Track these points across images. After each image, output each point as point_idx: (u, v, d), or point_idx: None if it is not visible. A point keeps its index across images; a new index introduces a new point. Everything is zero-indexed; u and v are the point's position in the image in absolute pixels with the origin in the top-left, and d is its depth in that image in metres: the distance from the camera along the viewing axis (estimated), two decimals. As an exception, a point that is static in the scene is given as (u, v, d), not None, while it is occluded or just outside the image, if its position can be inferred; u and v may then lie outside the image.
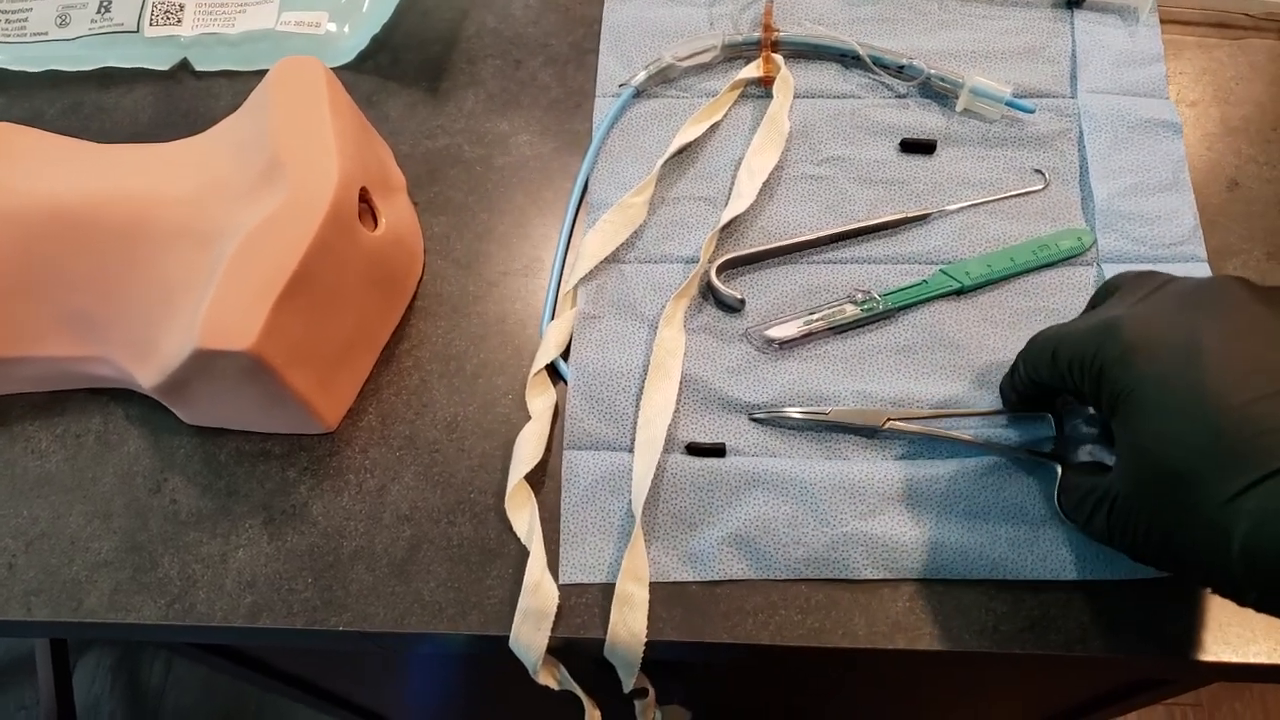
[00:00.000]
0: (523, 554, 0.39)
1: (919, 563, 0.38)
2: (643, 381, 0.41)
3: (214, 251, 0.39)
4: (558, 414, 0.42)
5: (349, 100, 0.44)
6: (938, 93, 0.47)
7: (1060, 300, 0.42)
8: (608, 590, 0.38)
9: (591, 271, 0.44)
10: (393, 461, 0.42)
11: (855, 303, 0.43)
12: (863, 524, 0.38)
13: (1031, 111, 0.45)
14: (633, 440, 0.40)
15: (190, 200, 0.41)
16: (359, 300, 0.42)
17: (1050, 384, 0.36)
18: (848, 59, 0.48)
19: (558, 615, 0.38)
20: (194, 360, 0.37)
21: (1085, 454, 0.38)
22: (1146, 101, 0.46)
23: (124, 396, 0.43)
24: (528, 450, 0.40)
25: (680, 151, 0.46)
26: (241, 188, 0.40)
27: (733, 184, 0.45)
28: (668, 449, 0.40)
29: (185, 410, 0.42)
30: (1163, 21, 0.48)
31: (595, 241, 0.44)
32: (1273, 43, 0.48)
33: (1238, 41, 0.48)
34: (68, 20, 0.50)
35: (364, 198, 0.42)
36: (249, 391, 0.39)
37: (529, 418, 0.41)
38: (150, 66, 0.50)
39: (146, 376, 0.41)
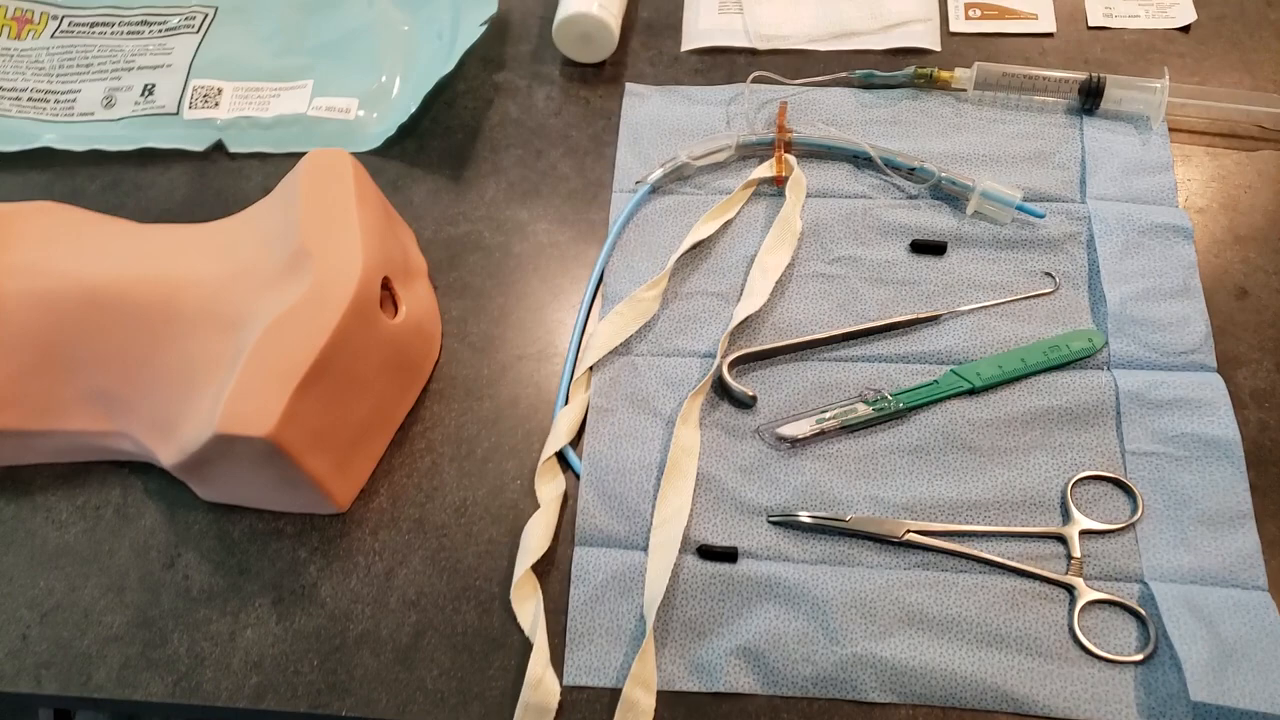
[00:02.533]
0: (526, 646, 0.39)
1: (929, 689, 0.37)
2: (657, 479, 0.42)
3: (238, 336, 0.41)
4: (565, 502, 0.42)
5: (376, 190, 0.45)
6: (949, 195, 0.48)
7: (1072, 400, 0.43)
8: (611, 692, 0.38)
9: (604, 362, 0.45)
10: (401, 545, 0.42)
11: (867, 402, 0.43)
12: (874, 645, 0.38)
13: (1041, 216, 0.46)
14: (646, 540, 0.41)
15: (218, 285, 0.42)
16: (377, 385, 0.42)
17: None
18: (860, 160, 0.49)
19: (558, 713, 0.38)
20: (214, 444, 0.38)
21: None
22: (1157, 208, 0.47)
23: (144, 469, 0.44)
24: (535, 540, 0.41)
25: (694, 247, 0.47)
26: (268, 275, 0.42)
27: (745, 281, 0.46)
28: (681, 550, 0.40)
29: (202, 488, 0.43)
30: (1172, 130, 0.49)
31: (606, 331, 0.45)
32: (1282, 153, 0.49)
33: (1248, 152, 0.49)
34: (113, 102, 0.53)
35: (386, 286, 0.43)
36: (266, 474, 0.40)
37: (537, 505, 0.42)
38: (187, 147, 0.52)
39: (167, 455, 0.41)
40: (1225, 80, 0.50)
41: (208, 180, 0.51)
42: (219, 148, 0.52)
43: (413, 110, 0.50)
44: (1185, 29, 0.52)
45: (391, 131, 0.50)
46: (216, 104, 0.52)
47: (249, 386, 0.38)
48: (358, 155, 0.51)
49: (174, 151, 0.52)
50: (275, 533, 0.42)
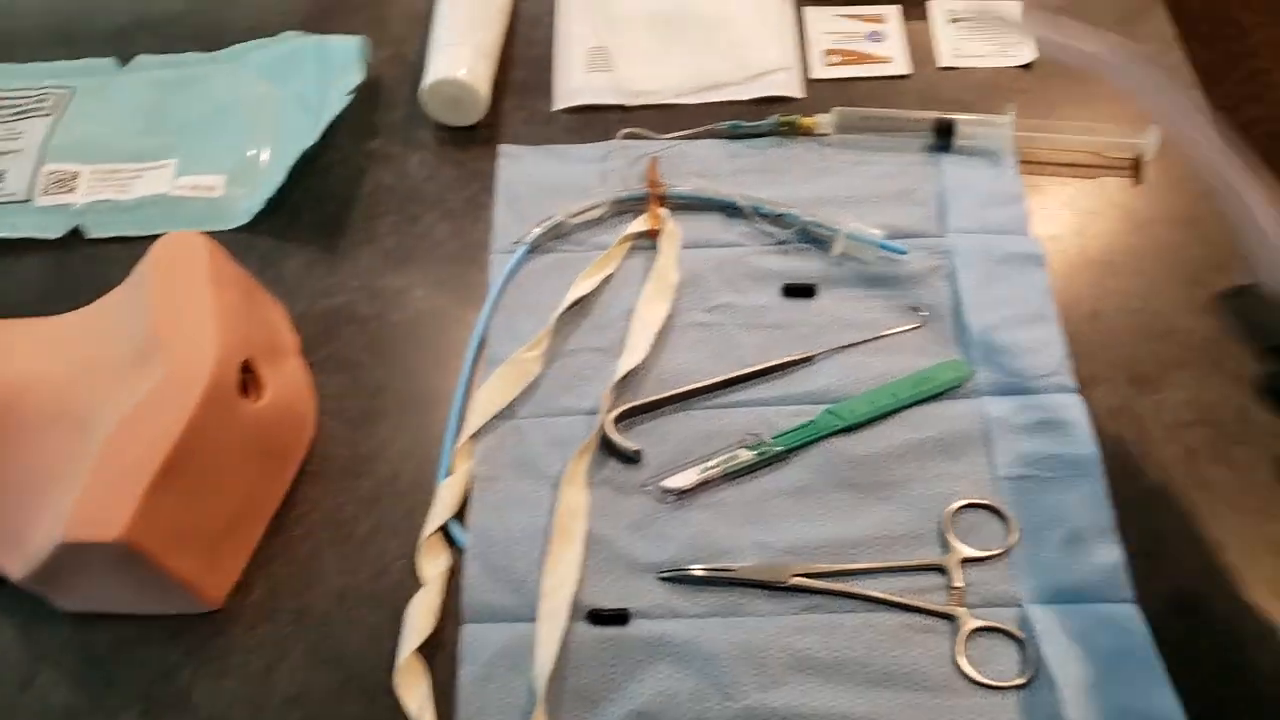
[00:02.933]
0: (415, 734, 0.38)
1: (820, 733, 0.38)
2: (544, 546, 0.41)
3: (89, 435, 0.39)
4: (451, 578, 0.41)
5: (236, 269, 0.44)
6: (816, 238, 0.49)
7: (944, 430, 0.44)
8: (502, 770, 0.37)
9: (488, 428, 0.44)
10: (281, 638, 0.40)
11: (748, 447, 0.43)
12: (765, 696, 0.38)
13: (904, 253, 0.48)
14: (535, 610, 0.40)
15: (65, 382, 0.40)
16: (244, 473, 0.41)
17: None
18: (731, 209, 0.50)
19: (450, 801, 0.36)
20: (62, 553, 0.36)
21: None
22: (1011, 238, 0.49)
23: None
24: (419, 621, 0.39)
25: (575, 304, 0.47)
26: (119, 368, 0.40)
27: (626, 335, 0.46)
28: (571, 616, 0.39)
29: (60, 598, 0.40)
30: (1022, 163, 0.51)
31: (488, 396, 0.44)
32: (1124, 180, 0.51)
33: (1092, 180, 0.51)
34: (-42, 192, 0.51)
35: (248, 369, 0.42)
36: (126, 578, 0.38)
37: (421, 585, 0.41)
38: (40, 235, 0.50)
39: (13, 568, 0.39)
40: (1066, 112, 0.53)
41: (65, 269, 0.49)
42: (76, 234, 0.50)
43: (279, 184, 0.49)
44: (1028, 66, 0.55)
45: (260, 207, 0.50)
46: (72, 189, 0.50)
47: (98, 488, 0.36)
48: (228, 233, 0.50)
49: (26, 241, 0.50)
50: (143, 639, 0.40)
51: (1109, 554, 0.40)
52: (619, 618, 0.40)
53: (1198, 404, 0.44)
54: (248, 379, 0.42)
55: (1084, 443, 0.43)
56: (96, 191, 0.50)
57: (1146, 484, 0.42)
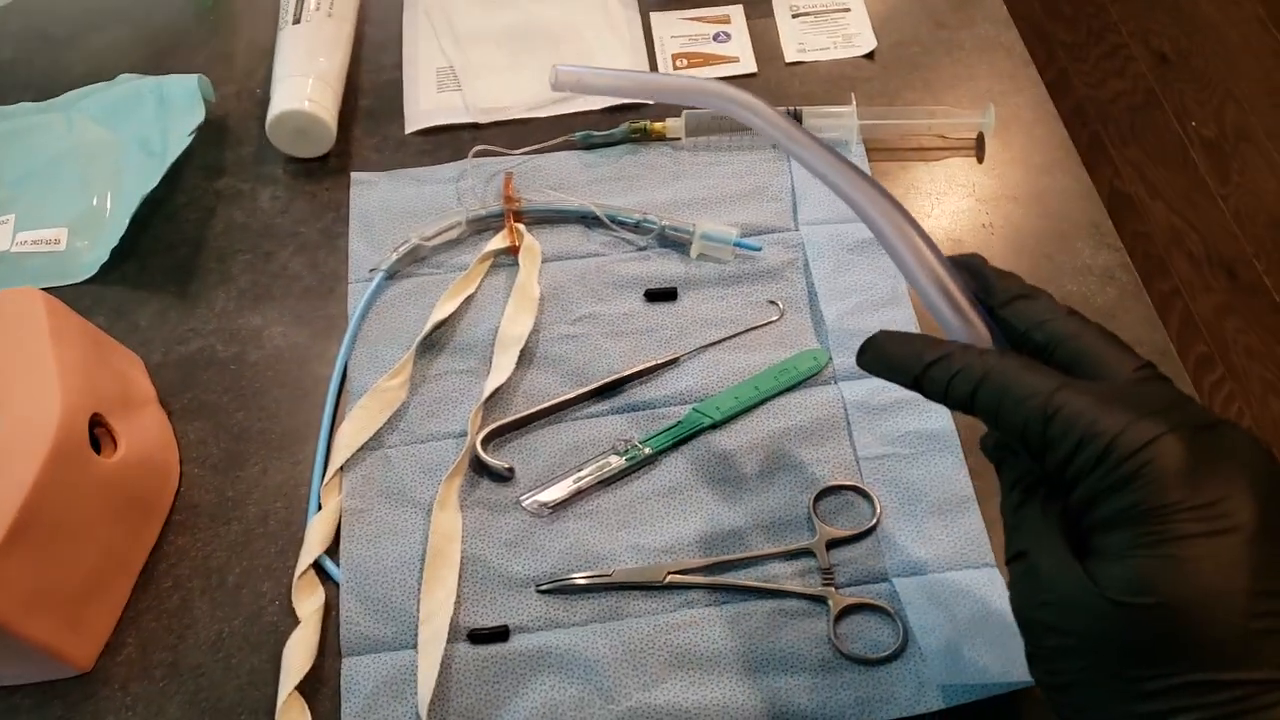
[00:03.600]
0: (298, 776, 0.37)
1: (703, 726, 0.38)
2: (420, 573, 0.41)
3: (-72, 509, 0.38)
4: (328, 614, 0.41)
5: (79, 324, 0.43)
6: (675, 242, 0.50)
7: (806, 418, 0.45)
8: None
9: (355, 460, 0.44)
10: (156, 694, 0.39)
11: (619, 453, 0.44)
12: (647, 695, 0.38)
13: (758, 250, 0.49)
14: (415, 637, 0.40)
15: (-99, 455, 0.39)
16: (102, 530, 0.40)
17: (1017, 443, 0.29)
18: (589, 220, 0.50)
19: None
20: (-95, 632, 0.35)
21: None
22: (861, 225, 0.50)
23: None
24: (297, 660, 0.39)
25: (438, 328, 0.47)
26: (-43, 435, 0.39)
27: (492, 355, 0.46)
28: (451, 638, 0.40)
29: (-84, 678, 0.39)
30: (869, 150, 0.53)
31: (351, 429, 0.44)
32: (967, 159, 0.53)
33: (935, 162, 0.53)
34: None
35: (99, 423, 0.41)
36: (-17, 651, 0.37)
37: (298, 622, 0.40)
38: (-126, 305, 0.48)
39: None
40: (909, 99, 0.55)
41: (-98, 337, 0.48)
42: (-88, 299, 0.48)
43: (123, 232, 0.48)
44: (870, 55, 0.57)
45: (105, 258, 0.48)
46: (-95, 253, 0.48)
47: (-60, 562, 0.35)
48: (76, 286, 0.48)
49: None
50: (10, 710, 0.39)
51: (970, 522, 0.42)
52: (499, 635, 0.40)
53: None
54: (100, 434, 0.41)
55: (940, 417, 0.45)
56: (-68, 254, 0.48)
57: (999, 450, 0.44)
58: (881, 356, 0.32)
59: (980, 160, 0.53)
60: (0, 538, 0.35)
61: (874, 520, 0.43)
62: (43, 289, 0.46)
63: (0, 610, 0.35)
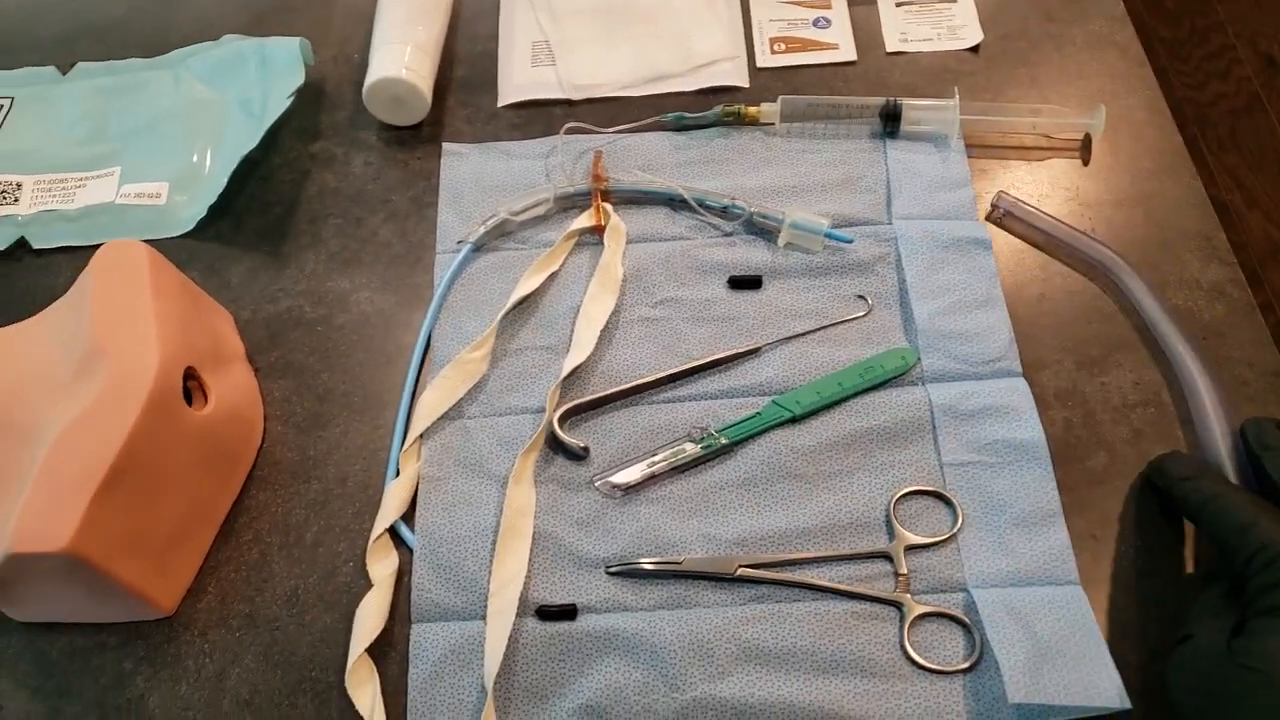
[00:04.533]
0: (366, 734, 0.38)
1: (767, 723, 0.38)
2: (493, 544, 0.41)
3: (32, 447, 0.39)
4: (400, 579, 0.42)
5: (178, 277, 0.44)
6: (762, 229, 0.49)
7: (890, 419, 0.44)
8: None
9: (435, 429, 0.44)
10: (232, 643, 0.40)
11: (694, 440, 0.44)
12: (712, 686, 0.38)
13: (850, 241, 0.48)
14: (484, 608, 0.40)
15: (8, 394, 0.40)
16: (191, 480, 0.41)
17: (1221, 546, 0.38)
18: (676, 202, 0.50)
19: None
20: (9, 564, 0.36)
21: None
22: (958, 223, 0.49)
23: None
24: (369, 622, 0.40)
25: (520, 303, 0.47)
26: (62, 378, 0.40)
27: (572, 332, 0.46)
28: (520, 613, 0.40)
29: (12, 609, 0.40)
30: (969, 146, 0.51)
31: (432, 398, 0.45)
32: (1072, 161, 0.51)
33: (1038, 162, 0.51)
34: (-100, 206, 0.50)
35: (192, 376, 0.42)
36: (75, 588, 0.38)
37: (371, 585, 0.41)
38: (-15, 248, 0.50)
39: (-37, 581, 0.39)
40: (1014, 95, 0.53)
41: (11, 280, 0.49)
42: (22, 245, 0.50)
43: (221, 190, 0.49)
44: (975, 49, 0.55)
45: (203, 214, 0.49)
46: (16, 200, 0.50)
47: (43, 499, 0.36)
48: (173, 240, 0.50)
49: (-29, 253, 0.50)
50: (98, 646, 0.40)
51: (1055, 537, 0.41)
52: (567, 613, 0.40)
53: (1144, 385, 0.44)
54: (192, 386, 0.42)
55: (1030, 427, 0.43)
56: (41, 202, 0.50)
57: (1093, 466, 0.43)
58: (1159, 467, 0.42)
59: (1085, 163, 0.51)
60: (98, 483, 0.37)
61: (955, 528, 0.41)
62: (144, 240, 0.48)
63: (96, 551, 0.37)
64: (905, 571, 0.40)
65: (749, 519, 0.42)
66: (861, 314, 0.47)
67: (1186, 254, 0.48)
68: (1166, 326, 0.45)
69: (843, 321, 0.46)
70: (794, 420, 0.44)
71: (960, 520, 0.41)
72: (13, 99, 0.53)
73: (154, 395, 0.38)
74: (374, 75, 0.50)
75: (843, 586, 0.40)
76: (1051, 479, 0.42)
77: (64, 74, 0.55)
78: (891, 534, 0.41)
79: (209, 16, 0.58)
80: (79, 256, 0.49)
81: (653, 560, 0.41)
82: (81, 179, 0.50)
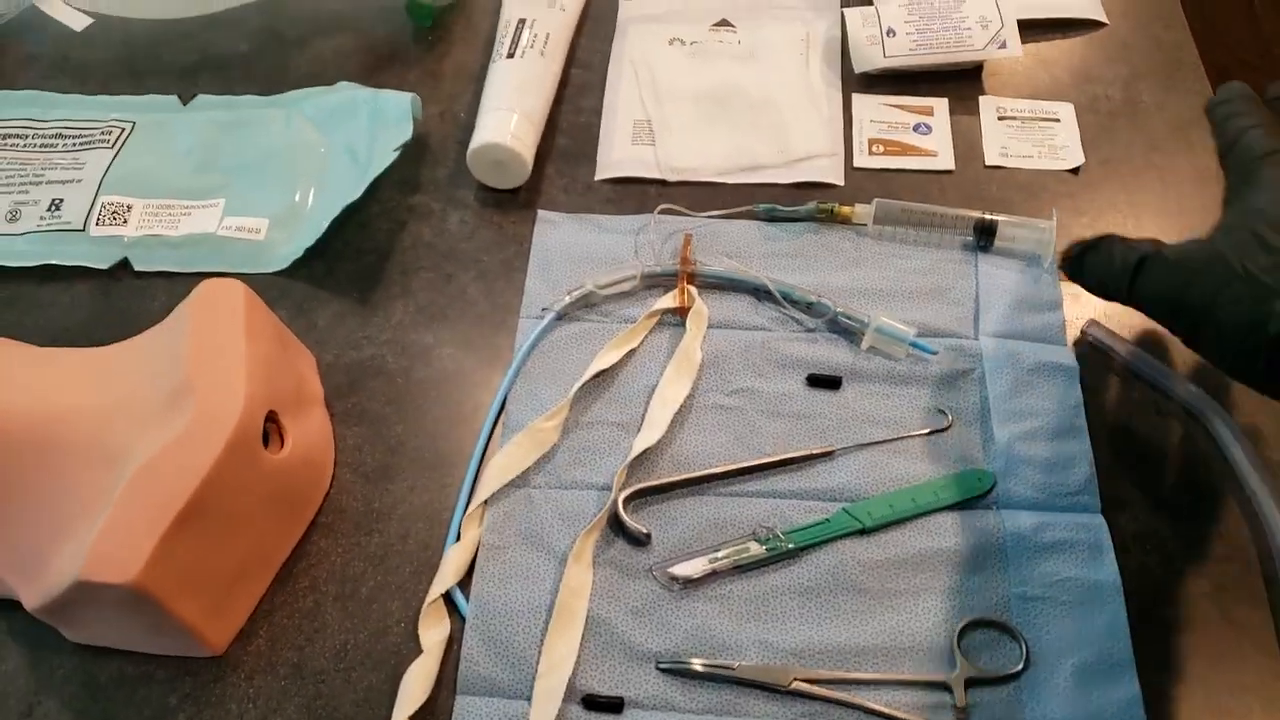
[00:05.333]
0: (399, 806, 0.37)
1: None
2: (546, 623, 0.41)
3: (117, 471, 0.40)
4: (450, 647, 0.41)
5: (270, 319, 0.45)
6: (845, 329, 0.48)
7: (961, 542, 0.43)
8: None
9: (500, 495, 0.44)
10: (277, 691, 0.40)
11: (759, 540, 0.43)
12: None
13: (934, 353, 0.47)
14: (530, 688, 0.39)
15: (100, 416, 0.41)
16: (258, 522, 0.41)
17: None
18: (760, 293, 0.50)
19: None
20: (76, 589, 0.37)
21: None
22: (1046, 346, 0.48)
23: (8, 606, 0.42)
24: (415, 689, 0.39)
25: (596, 376, 0.47)
26: (152, 407, 0.41)
27: (645, 411, 0.46)
28: (565, 698, 0.39)
29: (70, 630, 0.41)
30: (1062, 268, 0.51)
31: (503, 464, 0.45)
32: (1165, 293, 0.50)
33: (1132, 291, 0.50)
34: (18, 216, 0.52)
35: (272, 418, 0.43)
36: (134, 619, 0.39)
37: (421, 650, 0.40)
38: (92, 264, 0.51)
39: (29, 597, 0.40)
40: (1111, 221, 0.52)
41: (111, 300, 0.51)
42: (124, 265, 0.51)
43: (321, 233, 0.50)
44: (1075, 170, 0.54)
45: (299, 254, 0.51)
46: (125, 221, 0.51)
47: (117, 529, 0.37)
48: (265, 276, 0.51)
49: (77, 269, 0.51)
50: (145, 677, 0.40)
51: (1124, 689, 0.39)
52: (614, 706, 0.39)
53: (1229, 537, 0.43)
54: (270, 429, 0.43)
55: (1106, 568, 0.41)
56: (147, 226, 0.51)
57: (1169, 617, 0.41)
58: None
59: (1182, 298, 0.50)
60: (171, 520, 0.37)
61: (1020, 665, 0.40)
62: (238, 274, 0.49)
63: (159, 586, 0.37)
64: (964, 705, 0.39)
65: (808, 629, 0.41)
66: (941, 428, 0.46)
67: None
68: (1257, 483, 0.43)
69: (921, 434, 0.46)
70: (863, 532, 0.43)
71: (1026, 658, 0.40)
72: (134, 123, 0.56)
73: (235, 437, 0.39)
74: (480, 139, 0.51)
75: (899, 714, 0.39)
76: (1125, 626, 0.40)
77: (185, 104, 0.57)
78: (954, 663, 0.40)
79: (326, 60, 0.60)
80: (176, 282, 0.51)
81: (705, 661, 0.40)
82: (188, 207, 0.52)
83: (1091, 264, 0.42)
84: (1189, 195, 0.53)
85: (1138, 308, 0.41)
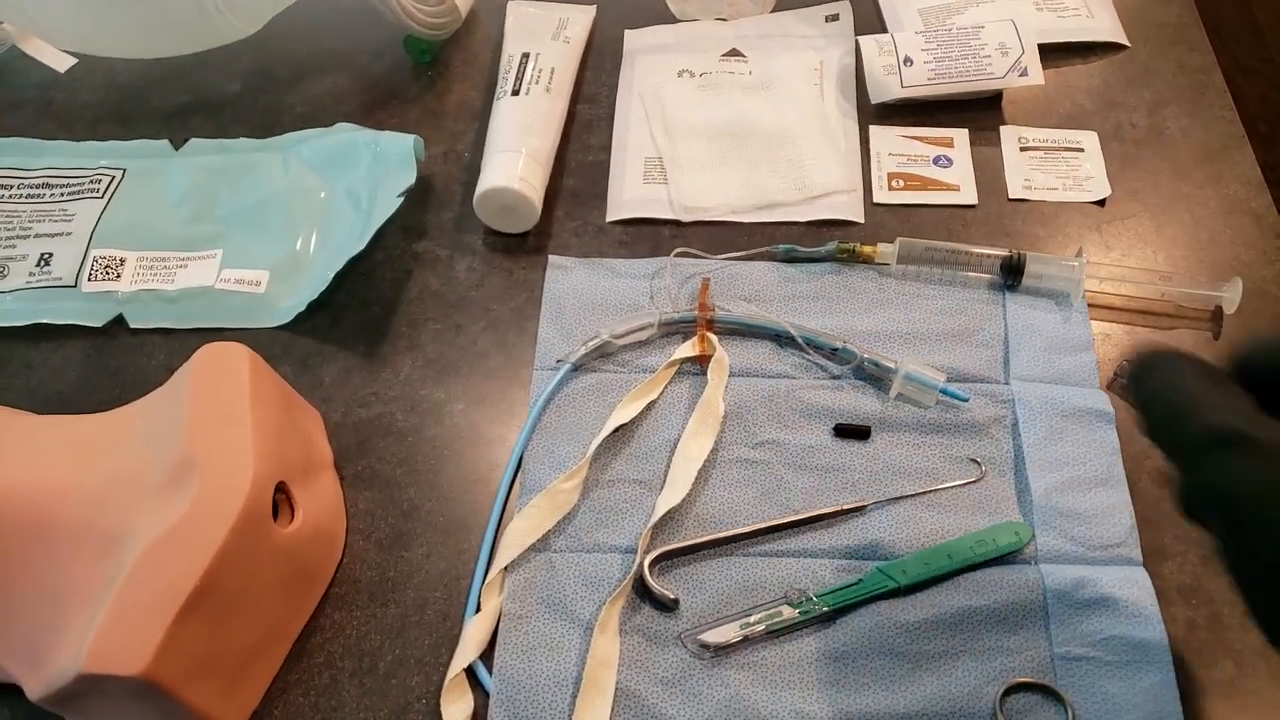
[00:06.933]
0: None
1: None
2: (573, 697, 0.39)
3: (116, 555, 0.37)
4: (474, 725, 0.40)
5: (276, 383, 0.43)
6: (872, 375, 0.47)
7: (1000, 599, 0.41)
8: None
9: (520, 560, 0.43)
10: (293, 777, 0.39)
11: (792, 604, 0.41)
12: None
13: (965, 400, 0.46)
14: (556, 766, 0.38)
15: (96, 494, 0.39)
16: (270, 599, 0.39)
17: None
18: (783, 338, 0.48)
19: None
20: (80, 682, 0.35)
21: None
22: (1079, 390, 0.46)
23: (9, 691, 0.39)
24: (439, 772, 0.38)
25: (615, 431, 0.45)
26: (152, 484, 0.39)
27: (667, 468, 0.45)
28: (593, 776, 0.38)
29: (75, 718, 0.39)
30: (1091, 306, 0.49)
31: (521, 528, 0.43)
32: (1201, 332, 0.49)
33: (1165, 330, 0.49)
34: (5, 272, 0.50)
35: (281, 490, 0.41)
36: (142, 707, 0.37)
37: (443, 730, 0.39)
38: (85, 323, 0.49)
39: (32, 688, 0.37)
40: (1139, 254, 0.51)
41: (105, 359, 0.49)
42: (119, 323, 0.49)
43: (324, 287, 0.48)
44: (1101, 203, 0.53)
45: (302, 308, 0.49)
46: (118, 275, 0.49)
47: (121, 618, 0.35)
48: (267, 330, 0.49)
49: (69, 327, 0.49)
50: (154, 765, 0.39)
51: (1175, 755, 0.38)
52: (645, 786, 0.38)
53: None
54: (280, 500, 0.41)
55: (1151, 625, 0.40)
56: (142, 280, 0.49)
57: (1218, 676, 0.39)
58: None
59: (1216, 336, 0.48)
60: (179, 607, 0.35)
61: (1066, 731, 0.39)
62: (239, 329, 0.47)
63: (170, 676, 0.35)
64: (1010, 774, 0.38)
65: (844, 696, 0.39)
66: (974, 479, 0.44)
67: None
68: None
69: (955, 486, 0.44)
70: (897, 591, 0.42)
71: (1072, 723, 0.39)
72: (125, 170, 0.53)
73: (243, 515, 0.37)
74: (486, 184, 0.49)
75: (943, 788, 0.37)
76: (1173, 687, 0.39)
77: (177, 148, 0.55)
78: (997, 730, 0.39)
79: (322, 100, 0.58)
80: (174, 339, 0.49)
81: (739, 736, 0.39)
82: (183, 259, 0.50)
83: (1154, 413, 0.35)
84: (1218, 228, 0.52)
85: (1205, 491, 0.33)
